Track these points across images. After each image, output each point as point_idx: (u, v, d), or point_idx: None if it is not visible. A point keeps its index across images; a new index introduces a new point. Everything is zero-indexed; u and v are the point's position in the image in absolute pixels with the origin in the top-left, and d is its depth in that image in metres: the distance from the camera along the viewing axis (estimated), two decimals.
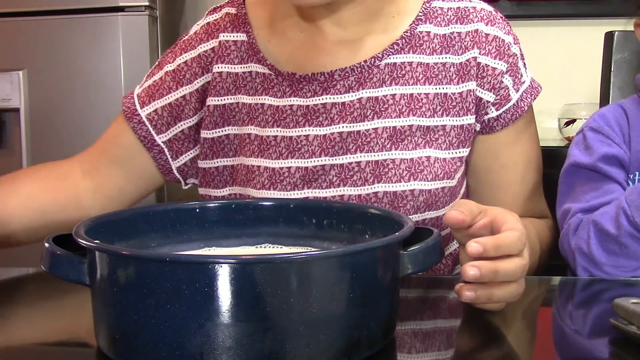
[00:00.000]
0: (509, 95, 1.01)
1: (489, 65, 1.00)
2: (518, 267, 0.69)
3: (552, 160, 1.02)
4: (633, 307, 0.65)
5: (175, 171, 1.09)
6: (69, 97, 2.02)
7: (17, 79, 2.01)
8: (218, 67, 1.05)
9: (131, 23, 1.99)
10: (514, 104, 1.01)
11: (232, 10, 1.08)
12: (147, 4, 1.97)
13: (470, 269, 0.67)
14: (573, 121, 2.24)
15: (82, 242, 0.61)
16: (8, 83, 2.01)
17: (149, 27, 1.99)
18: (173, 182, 1.13)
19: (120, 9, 1.98)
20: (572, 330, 0.75)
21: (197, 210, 0.79)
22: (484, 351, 0.68)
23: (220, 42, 1.05)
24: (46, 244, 0.64)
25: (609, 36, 1.66)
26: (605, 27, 1.75)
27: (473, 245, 0.67)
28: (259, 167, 1.00)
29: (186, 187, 1.14)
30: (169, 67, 1.08)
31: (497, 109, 1.01)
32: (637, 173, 0.94)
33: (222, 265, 0.55)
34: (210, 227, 0.78)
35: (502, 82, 1.00)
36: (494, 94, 1.00)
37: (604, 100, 1.65)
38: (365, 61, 1.00)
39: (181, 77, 1.06)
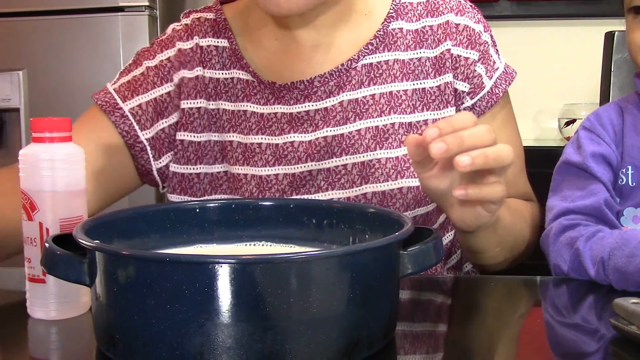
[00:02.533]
0: (482, 83, 1.01)
1: (461, 56, 1.00)
2: (481, 133, 0.73)
3: (551, 160, 1.02)
4: (633, 307, 0.65)
5: (155, 172, 1.04)
6: (69, 97, 2.01)
7: (17, 79, 2.01)
8: (199, 71, 1.03)
9: (131, 23, 1.98)
10: (488, 92, 1.01)
11: (211, 16, 1.06)
12: (147, 4, 1.97)
13: (436, 143, 0.71)
14: (573, 121, 2.24)
15: (82, 242, 0.61)
16: (8, 83, 2.01)
17: (149, 27, 1.99)
18: (147, 185, 1.07)
19: (120, 9, 1.98)
20: (571, 330, 0.75)
21: (197, 210, 0.79)
22: (483, 351, 0.68)
23: (198, 45, 1.04)
24: (46, 244, 0.64)
25: (609, 36, 1.66)
26: (605, 27, 1.75)
27: (429, 132, 0.72)
28: (245, 175, 1.00)
29: (162, 191, 1.08)
30: (150, 63, 1.04)
31: (471, 98, 1.01)
32: (629, 167, 0.95)
33: (222, 265, 0.55)
34: (210, 227, 0.78)
35: (475, 70, 1.01)
36: (468, 83, 1.01)
37: (604, 100, 1.65)
38: (342, 65, 1.00)
39: (165, 73, 1.03)
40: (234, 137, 1.02)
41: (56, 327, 0.72)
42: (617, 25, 1.61)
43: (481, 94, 1.01)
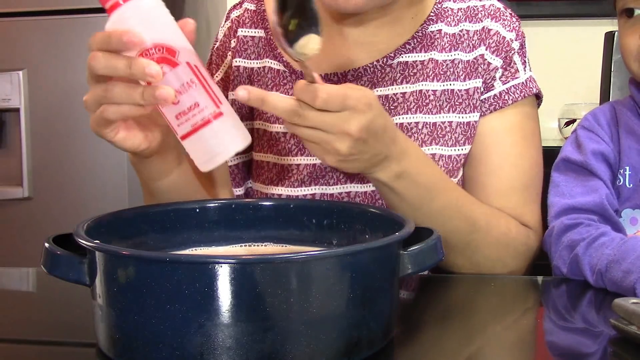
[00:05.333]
0: (493, 85, 1.01)
1: (489, 62, 1.01)
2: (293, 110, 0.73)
3: (552, 160, 1.02)
4: (633, 307, 0.65)
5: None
6: (69, 97, 2.01)
7: (17, 79, 2.01)
8: (236, 61, 1.06)
9: None
10: (495, 95, 1.00)
11: (252, 7, 1.09)
12: None
13: (240, 89, 0.71)
14: (573, 121, 2.24)
15: (82, 242, 0.61)
16: (8, 83, 2.01)
17: None
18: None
19: None
20: (571, 330, 0.75)
21: (197, 210, 0.79)
22: (483, 351, 0.68)
23: (238, 37, 1.07)
24: (46, 244, 0.64)
25: (609, 36, 1.66)
26: (605, 27, 1.75)
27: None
28: (267, 162, 1.02)
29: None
30: (218, 76, 1.08)
31: (479, 97, 1.01)
32: (627, 168, 0.96)
33: (222, 265, 0.55)
34: (210, 227, 0.78)
35: (495, 76, 1.01)
36: (486, 85, 1.01)
37: (604, 100, 1.65)
38: (377, 61, 1.01)
39: (229, 83, 1.07)
40: (259, 124, 1.03)
41: (56, 327, 0.72)
42: (617, 25, 1.60)
43: (487, 95, 1.00)
